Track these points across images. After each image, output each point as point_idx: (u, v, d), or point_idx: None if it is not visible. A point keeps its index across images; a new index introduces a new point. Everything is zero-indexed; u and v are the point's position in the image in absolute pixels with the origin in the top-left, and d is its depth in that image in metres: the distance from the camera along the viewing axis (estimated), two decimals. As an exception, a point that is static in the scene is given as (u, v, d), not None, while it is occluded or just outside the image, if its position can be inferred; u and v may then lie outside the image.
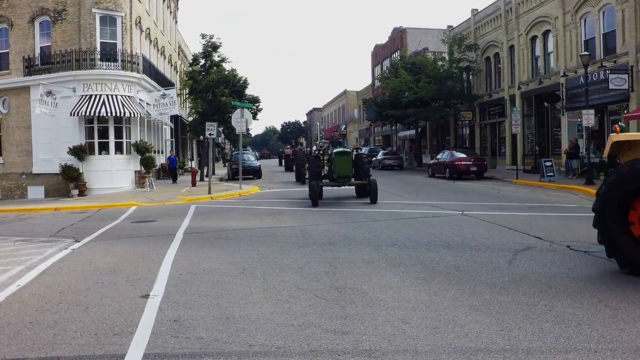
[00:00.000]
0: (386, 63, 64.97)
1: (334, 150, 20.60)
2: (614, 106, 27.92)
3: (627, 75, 25.76)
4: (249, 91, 39.23)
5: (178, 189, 28.67)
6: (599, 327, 5.70)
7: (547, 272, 8.22)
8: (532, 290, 7.22)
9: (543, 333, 5.57)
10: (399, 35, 63.55)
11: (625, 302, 6.58)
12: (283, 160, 61.29)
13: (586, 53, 25.70)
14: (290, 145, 62.38)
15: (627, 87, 25.73)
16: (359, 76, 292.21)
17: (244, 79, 37.49)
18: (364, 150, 61.32)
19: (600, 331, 5.59)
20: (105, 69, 27.72)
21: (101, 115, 26.80)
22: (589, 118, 24.49)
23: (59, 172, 26.62)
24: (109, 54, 27.95)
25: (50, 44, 28.26)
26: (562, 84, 31.08)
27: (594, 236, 10.09)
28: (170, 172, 34.28)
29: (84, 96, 26.87)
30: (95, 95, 26.93)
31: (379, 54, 71.45)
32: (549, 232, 11.85)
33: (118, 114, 26.92)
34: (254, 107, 38.81)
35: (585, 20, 29.90)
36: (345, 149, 21.02)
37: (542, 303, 6.62)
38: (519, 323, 5.90)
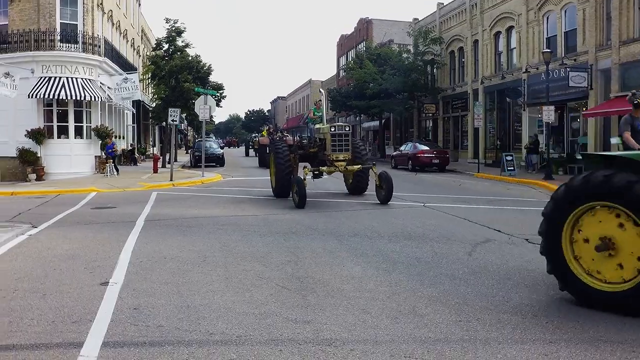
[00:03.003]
0: (352, 53, 65.11)
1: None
2: (573, 103, 28.56)
3: (586, 73, 26.35)
4: (213, 78, 38.88)
5: (139, 175, 28.25)
6: (555, 319, 5.83)
7: (505, 264, 8.38)
8: (490, 282, 7.34)
9: (501, 324, 5.68)
10: (364, 26, 63.68)
11: (579, 294, 6.74)
12: (255, 151, 49.77)
13: (548, 50, 26.17)
14: (269, 131, 44.17)
15: (587, 85, 26.33)
16: (325, 66, 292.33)
17: (208, 65, 37.11)
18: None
19: (555, 322, 5.72)
20: (66, 50, 26.98)
21: (61, 98, 26.13)
22: (549, 114, 24.97)
23: (15, 155, 25.87)
24: (69, 35, 27.21)
25: (7, 22, 27.31)
26: (524, 80, 31.62)
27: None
28: (112, 161, 28.77)
29: (43, 78, 26.16)
30: (55, 78, 26.25)
31: (345, 44, 71.52)
32: (509, 225, 12.06)
33: (78, 98, 26.31)
34: (218, 94, 38.38)
35: (547, 18, 30.44)
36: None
37: (500, 294, 6.74)
38: (478, 314, 6.00)
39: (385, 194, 15.90)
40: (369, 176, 17.86)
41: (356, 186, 18.29)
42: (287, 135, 38.51)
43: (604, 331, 5.46)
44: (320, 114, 19.01)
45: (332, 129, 16.36)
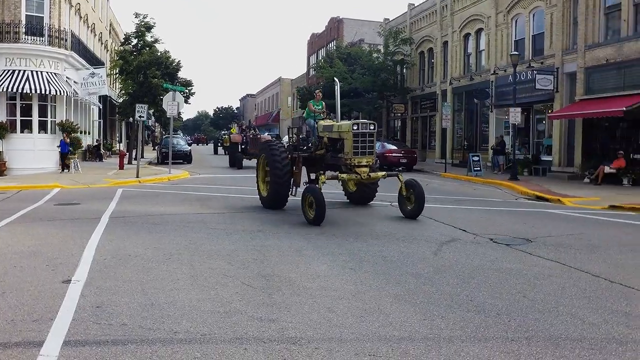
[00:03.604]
0: (322, 52, 65.17)
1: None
2: (539, 105, 29.00)
3: (552, 76, 26.80)
4: (181, 74, 38.49)
5: (105, 171, 27.84)
6: (517, 317, 5.92)
7: (470, 263, 8.47)
8: (455, 280, 7.42)
9: (464, 322, 5.74)
10: (335, 25, 63.80)
11: (542, 293, 6.86)
12: (225, 149, 46.99)
13: (516, 53, 26.57)
14: (242, 127, 39.65)
15: (553, 88, 26.77)
16: (295, 64, 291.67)
17: (177, 61, 36.76)
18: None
19: (518, 321, 5.80)
20: (31, 43, 26.46)
21: (25, 91, 25.64)
22: (515, 116, 25.34)
23: (-24, 150, 25.34)
24: (35, 27, 26.68)
25: (-30, 13, 26.74)
26: (492, 81, 32.02)
27: (516, 230, 10.51)
28: (60, 158, 27.06)
29: (6, 71, 25.60)
30: (19, 71, 25.73)
31: (315, 43, 71.55)
32: (474, 225, 12.20)
33: (43, 92, 25.82)
34: (187, 91, 38.05)
35: (516, 21, 30.87)
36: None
37: (465, 293, 6.82)
38: (442, 312, 6.06)
39: (415, 207, 13.18)
40: (375, 186, 15.59)
41: (362, 195, 15.86)
42: (260, 133, 37.44)
43: (563, 329, 5.56)
44: (321, 107, 16.02)
45: (355, 127, 13.05)
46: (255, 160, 34.20)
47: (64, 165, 26.83)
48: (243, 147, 34.25)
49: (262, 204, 15.16)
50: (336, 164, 14.14)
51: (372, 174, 13.35)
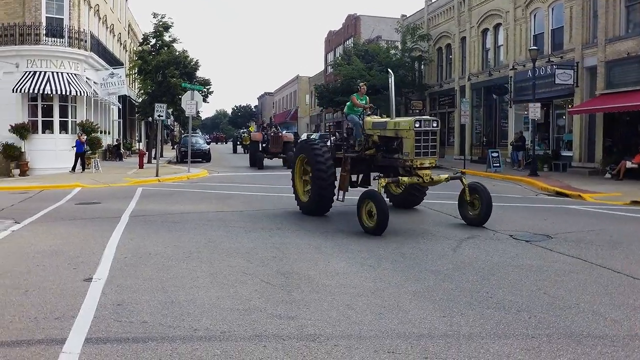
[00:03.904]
0: (339, 50, 65.05)
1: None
2: (559, 100, 28.69)
3: (572, 71, 26.48)
4: (200, 73, 38.65)
5: (125, 171, 28.10)
6: (537, 314, 5.88)
7: (490, 260, 8.42)
8: (474, 277, 7.38)
9: (484, 319, 5.71)
10: (352, 23, 63.64)
11: (562, 290, 6.80)
12: (245, 148, 46.72)
13: (535, 48, 26.31)
14: (261, 127, 38.14)
15: (572, 83, 26.46)
16: (312, 62, 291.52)
17: (195, 60, 36.91)
18: (315, 136, 61.20)
19: (538, 318, 5.76)
20: (51, 45, 26.78)
21: (46, 92, 25.94)
22: (535, 111, 25.10)
23: (-1, 150, 25.68)
24: (55, 29, 27.00)
25: (-8, 16, 27.11)
26: (511, 77, 31.72)
27: (536, 226, 10.43)
28: (76, 158, 26.43)
29: (27, 72, 25.93)
30: (40, 72, 26.04)
31: (333, 40, 71.44)
32: (493, 221, 12.11)
33: (63, 92, 26.12)
34: (205, 90, 38.22)
35: (535, 16, 30.54)
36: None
37: (484, 290, 6.78)
38: (462, 309, 6.03)
39: (480, 213, 11.73)
40: (425, 189, 14.18)
41: (407, 199, 14.49)
42: (282, 132, 35.77)
43: (585, 326, 5.50)
44: (365, 101, 14.27)
45: (417, 125, 11.49)
46: (279, 160, 33.27)
47: (82, 165, 26.63)
48: (264, 145, 33.08)
49: (301, 210, 13.71)
50: (390, 165, 12.47)
51: (435, 177, 11.80)
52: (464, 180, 12.23)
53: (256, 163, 31.85)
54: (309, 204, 13.38)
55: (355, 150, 13.46)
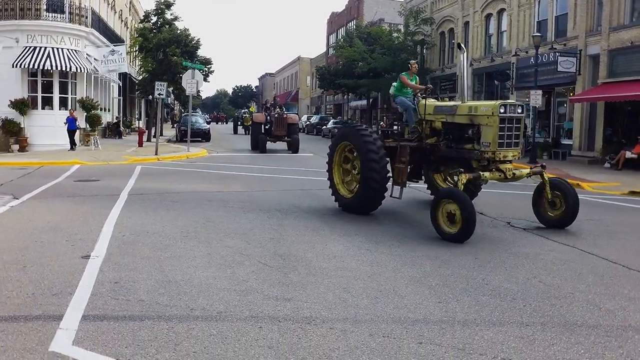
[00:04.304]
0: (342, 32, 64.72)
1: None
2: (561, 88, 28.60)
3: (575, 58, 26.36)
4: (201, 52, 38.55)
5: (124, 149, 28.06)
6: (532, 302, 5.91)
7: (486, 247, 8.45)
8: (471, 264, 7.41)
9: (479, 306, 5.74)
10: (355, 5, 63.21)
11: (558, 278, 6.83)
12: (246, 129, 45.84)
13: (538, 34, 26.14)
14: (263, 107, 35.93)
15: (575, 70, 26.35)
16: (314, 43, 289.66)
17: (196, 39, 36.75)
18: (315, 118, 61.02)
19: (533, 306, 5.79)
20: (52, 20, 26.59)
21: (46, 68, 25.81)
22: (536, 98, 25.02)
23: (-2, 126, 25.59)
24: (55, 4, 26.78)
25: (-9, -10, 26.88)
26: (513, 63, 31.59)
27: (533, 214, 10.43)
28: (69, 135, 25.65)
29: (27, 48, 25.76)
30: (40, 48, 25.87)
31: (335, 22, 71.04)
32: (492, 208, 12.15)
33: (64, 68, 25.99)
34: (206, 69, 38.07)
35: (539, 2, 30.32)
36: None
37: (480, 277, 6.81)
38: (457, 295, 6.06)
39: (564, 214, 10.09)
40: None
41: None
42: (287, 112, 32.76)
43: (579, 316, 5.54)
44: (415, 81, 12.30)
45: (502, 110, 9.53)
46: (283, 143, 31.17)
47: (71, 142, 25.66)
48: (267, 127, 30.30)
49: (340, 206, 11.65)
50: (458, 157, 10.58)
51: (517, 172, 10.05)
52: (544, 176, 10.23)
53: (258, 146, 29.30)
54: (354, 200, 11.28)
55: (406, 138, 11.66)
